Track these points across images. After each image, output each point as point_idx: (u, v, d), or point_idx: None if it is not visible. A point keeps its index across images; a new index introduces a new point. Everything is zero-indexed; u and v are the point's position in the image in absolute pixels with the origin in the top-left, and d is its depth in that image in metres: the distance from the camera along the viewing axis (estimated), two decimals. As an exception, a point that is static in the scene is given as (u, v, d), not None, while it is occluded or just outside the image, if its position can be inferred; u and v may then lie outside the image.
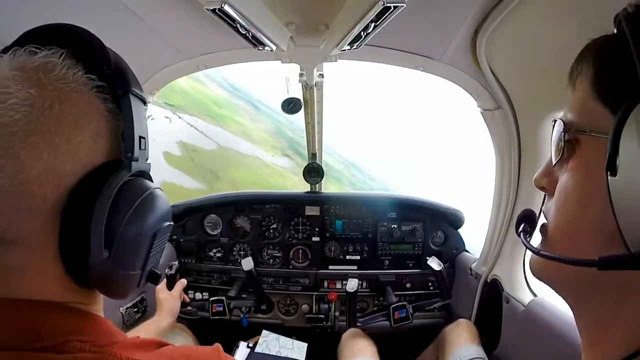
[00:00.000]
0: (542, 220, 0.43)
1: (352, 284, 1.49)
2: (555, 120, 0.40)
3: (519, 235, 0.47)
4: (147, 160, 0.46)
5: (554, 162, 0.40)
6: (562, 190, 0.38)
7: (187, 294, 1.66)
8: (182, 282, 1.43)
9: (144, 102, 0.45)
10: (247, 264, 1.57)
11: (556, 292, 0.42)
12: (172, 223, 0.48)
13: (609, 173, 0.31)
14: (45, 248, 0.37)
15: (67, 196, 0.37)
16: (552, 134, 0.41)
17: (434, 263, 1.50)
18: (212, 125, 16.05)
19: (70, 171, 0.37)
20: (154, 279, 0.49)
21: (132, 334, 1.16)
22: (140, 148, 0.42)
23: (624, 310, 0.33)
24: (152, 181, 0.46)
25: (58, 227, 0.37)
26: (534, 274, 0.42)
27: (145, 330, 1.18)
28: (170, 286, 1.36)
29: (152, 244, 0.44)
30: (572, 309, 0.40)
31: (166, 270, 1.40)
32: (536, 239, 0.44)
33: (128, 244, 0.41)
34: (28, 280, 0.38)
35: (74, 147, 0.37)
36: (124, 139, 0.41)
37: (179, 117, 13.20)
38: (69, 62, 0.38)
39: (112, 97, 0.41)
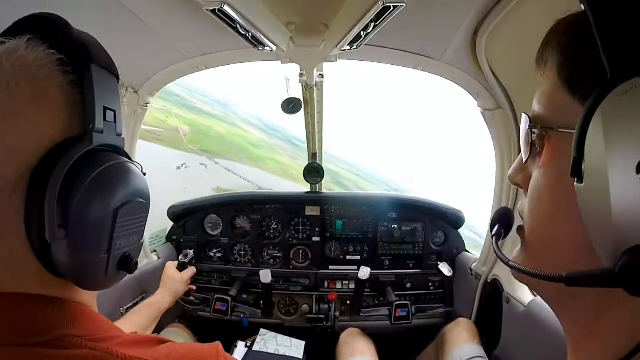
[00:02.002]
0: (518, 220, 0.40)
1: (364, 272, 1.53)
2: (522, 114, 0.37)
3: (492, 239, 0.43)
4: (120, 134, 0.43)
5: (524, 159, 0.37)
6: (534, 189, 0.35)
7: (188, 295, 1.66)
8: (193, 270, 1.44)
9: (116, 76, 0.43)
10: (266, 276, 1.57)
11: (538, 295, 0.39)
12: (143, 200, 0.43)
13: (575, 179, 0.28)
14: (14, 232, 0.36)
15: (29, 176, 0.35)
16: (520, 128, 0.38)
17: (445, 269, 1.50)
18: (251, 167, 16.06)
19: (31, 149, 0.36)
20: (127, 265, 0.43)
21: (132, 315, 1.13)
22: (105, 119, 0.40)
23: (607, 317, 0.31)
24: (126, 157, 0.43)
25: (23, 210, 0.36)
26: (515, 277, 0.39)
27: (147, 311, 1.16)
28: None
29: (115, 222, 0.39)
30: (555, 313, 0.38)
31: (180, 257, 1.43)
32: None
33: (83, 223, 0.37)
34: (3, 269, 0.37)
35: (32, 124, 0.36)
36: (86, 110, 0.39)
37: (216, 163, 12.96)
38: (33, 44, 0.38)
39: (73, 70, 0.39)
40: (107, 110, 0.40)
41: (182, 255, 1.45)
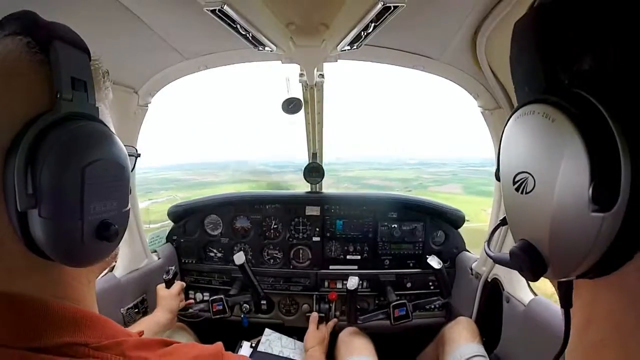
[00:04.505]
0: None
1: (352, 282, 1.51)
2: None
3: (498, 227, 0.50)
4: (93, 104, 0.42)
5: None
6: None
7: (187, 295, 1.67)
8: (181, 283, 1.46)
9: (86, 53, 0.43)
10: (239, 258, 1.56)
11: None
12: (116, 161, 0.42)
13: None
14: (1, 220, 0.36)
15: (4, 158, 0.36)
16: None
17: (434, 261, 1.51)
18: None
19: (5, 128, 0.36)
20: (106, 232, 0.40)
21: (133, 328, 1.15)
22: (74, 89, 0.40)
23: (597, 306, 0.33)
24: (101, 124, 0.42)
25: (3, 193, 0.35)
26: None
27: (146, 327, 1.18)
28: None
29: (83, 182, 0.38)
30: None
31: (164, 276, 1.42)
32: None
33: (51, 186, 0.36)
34: None
35: (4, 106, 0.37)
36: (53, 82, 0.39)
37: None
38: (4, 37, 0.39)
39: (40, 49, 0.39)
40: (77, 81, 0.40)
41: (164, 274, 1.44)
